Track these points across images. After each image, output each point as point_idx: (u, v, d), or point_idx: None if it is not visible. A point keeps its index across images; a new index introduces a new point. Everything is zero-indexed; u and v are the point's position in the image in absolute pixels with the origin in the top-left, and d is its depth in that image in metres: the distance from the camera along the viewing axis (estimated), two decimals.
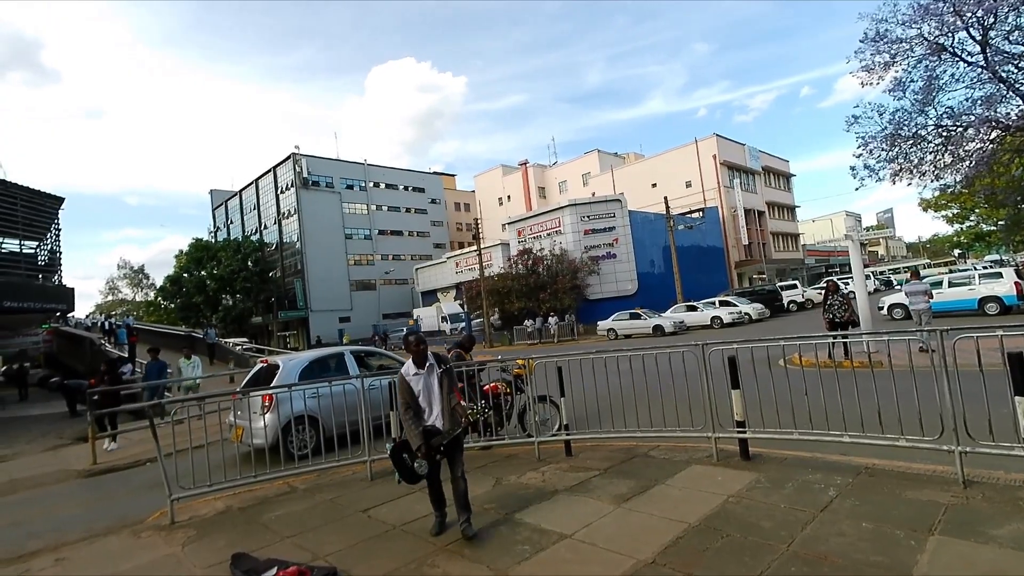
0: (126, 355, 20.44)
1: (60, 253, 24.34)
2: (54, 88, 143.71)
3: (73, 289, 24.90)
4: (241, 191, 67.60)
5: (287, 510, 5.50)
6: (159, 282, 65.35)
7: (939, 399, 4.20)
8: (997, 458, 4.10)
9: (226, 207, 71.36)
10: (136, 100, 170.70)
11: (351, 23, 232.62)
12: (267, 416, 7.11)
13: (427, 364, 4.32)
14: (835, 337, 7.48)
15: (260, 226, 63.06)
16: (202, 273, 54.57)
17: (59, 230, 23.99)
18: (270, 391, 7.22)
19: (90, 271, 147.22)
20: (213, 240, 64.87)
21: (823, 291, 13.07)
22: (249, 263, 55.67)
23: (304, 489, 6.20)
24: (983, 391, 4.02)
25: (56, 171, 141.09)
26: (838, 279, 42.41)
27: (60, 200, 23.64)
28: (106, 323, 35.00)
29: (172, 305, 58.18)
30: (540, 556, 3.81)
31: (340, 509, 5.34)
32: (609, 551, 3.76)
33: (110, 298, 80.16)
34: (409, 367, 4.35)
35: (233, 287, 54.18)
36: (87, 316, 47.65)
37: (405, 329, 47.43)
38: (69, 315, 31.49)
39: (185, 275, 56.17)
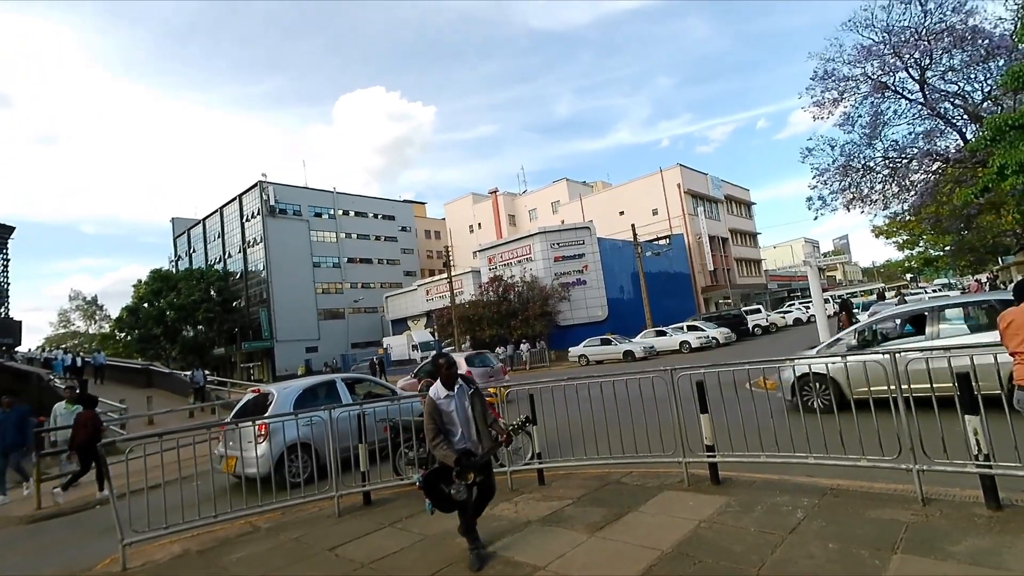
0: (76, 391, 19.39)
1: (8, 284, 23.28)
2: (3, 113, 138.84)
3: (20, 322, 23.74)
4: (205, 219, 66.18)
5: (249, 551, 5.26)
6: (115, 313, 62.63)
7: (896, 419, 4.35)
8: (952, 475, 4.25)
9: (188, 236, 69.62)
10: (95, 126, 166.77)
11: (322, 54, 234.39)
12: (263, 445, 7.00)
13: (457, 386, 4.21)
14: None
15: (224, 255, 61.62)
16: (161, 304, 52.70)
17: (7, 260, 22.99)
18: (266, 420, 7.07)
19: (40, 302, 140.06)
20: (174, 270, 62.99)
21: (837, 312, 12.71)
22: (212, 293, 54.11)
23: (268, 528, 5.95)
24: (936, 410, 4.20)
25: (5, 199, 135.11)
26: (800, 303, 43.73)
27: (10, 229, 22.72)
28: (76, 359, 29.32)
29: (129, 337, 55.79)
30: None
31: (306, 548, 5.14)
32: None
33: (61, 330, 76.38)
34: (439, 390, 4.20)
35: (194, 318, 52.43)
36: (46, 350, 44.08)
37: (375, 349, 46.44)
38: (17, 349, 29.26)
39: (144, 306, 54.12)
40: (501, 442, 4.16)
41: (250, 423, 6.94)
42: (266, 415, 7.59)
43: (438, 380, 4.25)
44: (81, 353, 43.98)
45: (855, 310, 12.70)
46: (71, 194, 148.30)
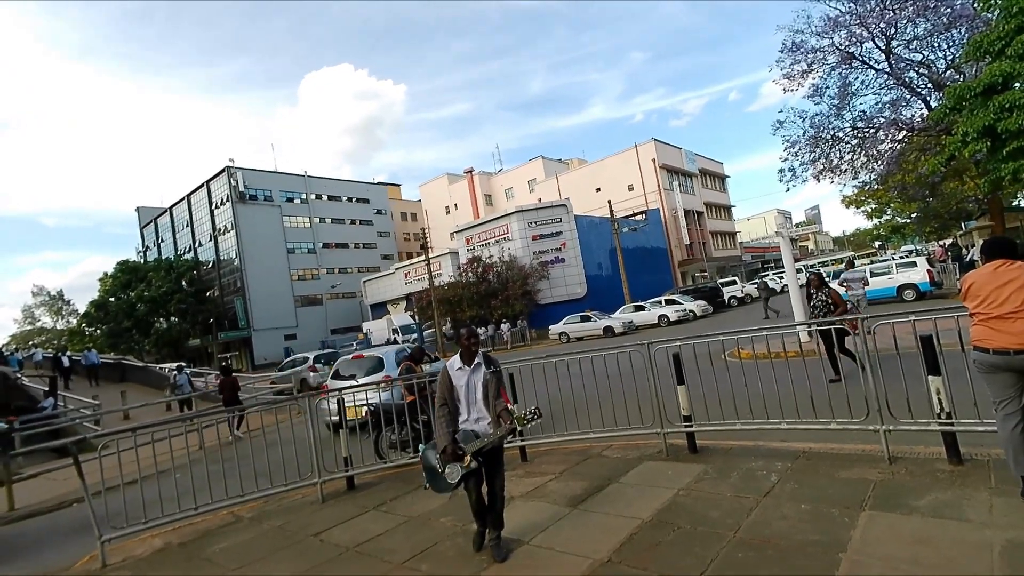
0: (47, 388, 18.85)
1: None
2: None
3: None
4: (172, 208, 64.19)
5: (232, 541, 5.23)
6: (83, 308, 60.80)
7: (864, 382, 4.50)
8: (917, 434, 4.43)
9: (155, 225, 67.55)
10: (50, 113, 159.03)
11: (286, 34, 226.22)
12: (386, 394, 7.77)
13: (475, 362, 4.01)
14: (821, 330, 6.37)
15: (194, 244, 60.00)
16: (131, 296, 51.24)
17: None
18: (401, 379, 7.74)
19: (0, 299, 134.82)
20: (142, 260, 61.22)
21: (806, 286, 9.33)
22: (183, 283, 52.81)
23: (250, 518, 5.92)
24: (901, 372, 4.35)
25: None
26: (774, 273, 44.52)
27: None
28: (62, 357, 26.59)
29: (98, 332, 54.30)
30: (498, 565, 3.79)
31: (290, 535, 5.14)
32: (566, 554, 3.79)
33: (27, 327, 73.91)
34: (454, 361, 4.05)
35: (167, 309, 51.20)
36: (18, 349, 41.57)
37: (355, 334, 46.16)
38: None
39: (112, 299, 52.61)
40: (507, 430, 3.86)
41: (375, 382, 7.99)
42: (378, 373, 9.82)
43: (458, 352, 4.09)
44: (49, 350, 42.30)
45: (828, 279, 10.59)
46: (28, 185, 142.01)
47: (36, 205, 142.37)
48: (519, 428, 3.88)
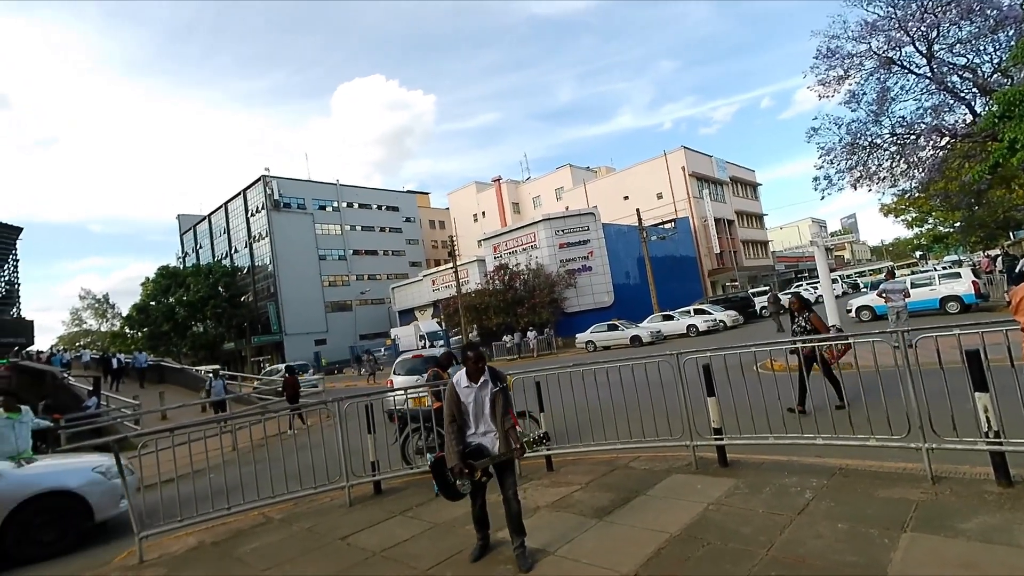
0: (91, 388, 19.63)
1: (19, 285, 23.50)
2: (4, 115, 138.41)
3: (32, 322, 23.99)
4: (210, 215, 66.39)
5: (263, 542, 5.33)
6: (125, 311, 63.26)
7: (905, 398, 4.32)
8: (962, 453, 4.23)
9: (195, 232, 69.95)
10: (98, 127, 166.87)
11: (320, 48, 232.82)
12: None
13: (482, 379, 4.07)
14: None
15: (230, 250, 61.89)
16: (170, 300, 53.11)
17: (17, 261, 23.19)
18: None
19: (50, 302, 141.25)
20: (181, 266, 63.41)
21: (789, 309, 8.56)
22: (220, 288, 54.45)
23: (280, 519, 6.02)
24: (945, 388, 4.16)
25: (11, 201, 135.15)
26: (808, 283, 43.26)
27: (18, 230, 22.88)
28: (112, 358, 26.73)
29: (140, 334, 56.41)
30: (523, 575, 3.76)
31: (318, 538, 5.21)
32: (591, 566, 3.74)
33: (74, 329, 77.20)
34: (461, 378, 4.11)
35: (203, 313, 52.85)
36: (67, 350, 43.33)
37: (383, 340, 46.72)
38: (29, 348, 28.44)
39: (152, 303, 54.60)
40: (514, 450, 3.96)
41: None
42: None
43: (464, 370, 4.14)
44: (95, 351, 43.92)
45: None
46: (77, 194, 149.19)
47: (84, 213, 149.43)
48: (528, 451, 4.07)
